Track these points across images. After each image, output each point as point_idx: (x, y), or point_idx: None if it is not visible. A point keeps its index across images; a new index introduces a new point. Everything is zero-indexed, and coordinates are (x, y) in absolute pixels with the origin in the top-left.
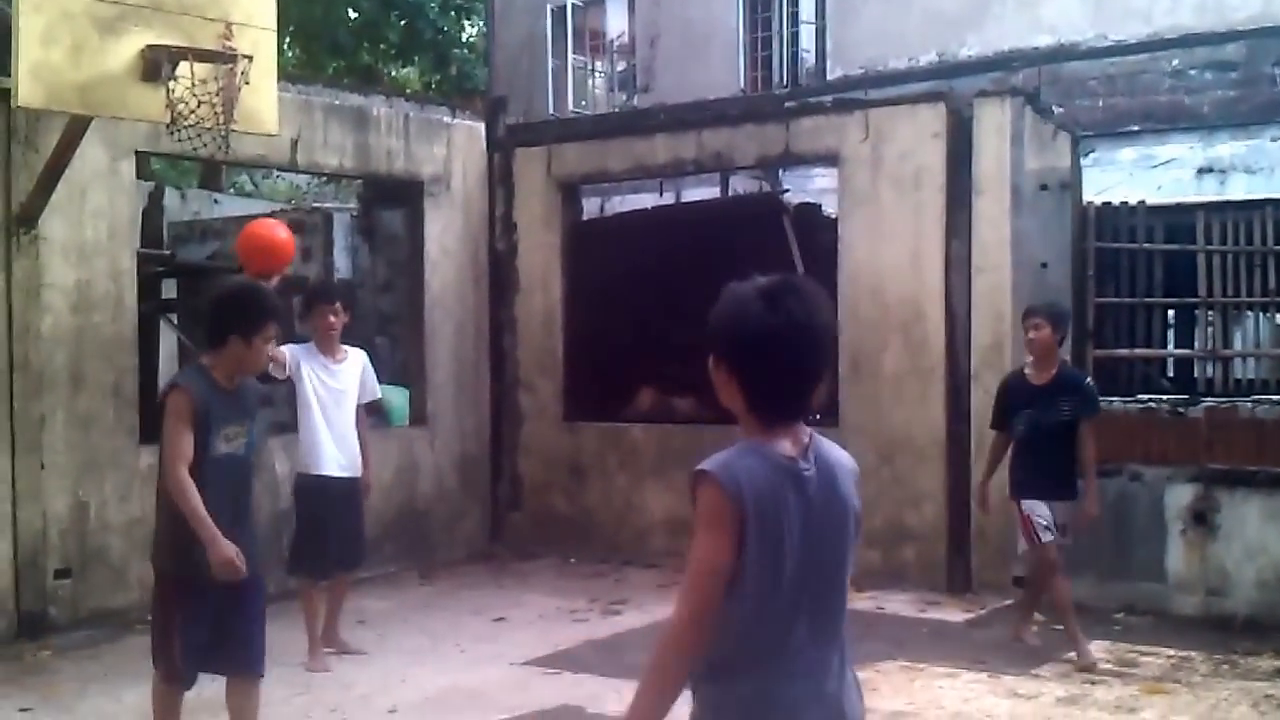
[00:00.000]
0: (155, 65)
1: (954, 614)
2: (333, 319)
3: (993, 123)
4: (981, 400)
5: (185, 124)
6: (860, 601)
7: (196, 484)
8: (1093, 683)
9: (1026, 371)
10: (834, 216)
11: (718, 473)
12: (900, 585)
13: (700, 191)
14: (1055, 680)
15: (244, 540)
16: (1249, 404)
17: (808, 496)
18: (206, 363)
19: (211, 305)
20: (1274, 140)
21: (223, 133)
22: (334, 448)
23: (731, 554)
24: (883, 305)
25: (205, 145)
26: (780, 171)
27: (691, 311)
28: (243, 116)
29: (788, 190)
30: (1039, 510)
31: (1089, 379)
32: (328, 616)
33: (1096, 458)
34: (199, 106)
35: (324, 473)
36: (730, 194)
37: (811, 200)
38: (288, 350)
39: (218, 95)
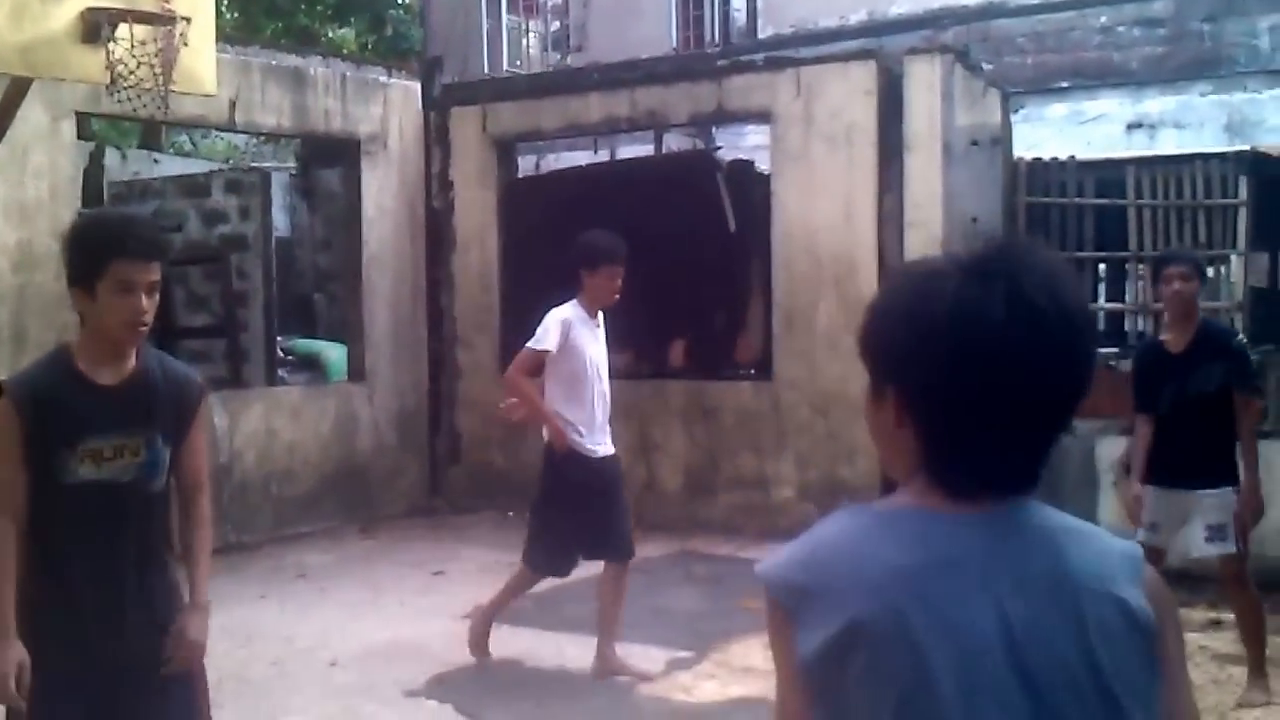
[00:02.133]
0: (95, 27)
1: None
2: (620, 283)
3: (923, 80)
4: None
5: (125, 85)
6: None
7: (35, 532)
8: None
9: (1163, 338)
10: (767, 173)
11: (760, 570)
12: None
13: (635, 149)
14: None
15: (139, 624)
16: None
17: (1001, 608)
18: (71, 344)
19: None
20: (1202, 96)
21: (162, 93)
22: (607, 425)
23: (804, 710)
24: (816, 261)
25: (145, 106)
26: (714, 129)
27: (627, 268)
28: (181, 77)
29: (721, 148)
30: (1146, 500)
31: (1239, 337)
32: (611, 618)
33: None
34: (138, 68)
35: (602, 454)
36: (664, 152)
37: (745, 157)
38: (559, 315)
39: (157, 56)
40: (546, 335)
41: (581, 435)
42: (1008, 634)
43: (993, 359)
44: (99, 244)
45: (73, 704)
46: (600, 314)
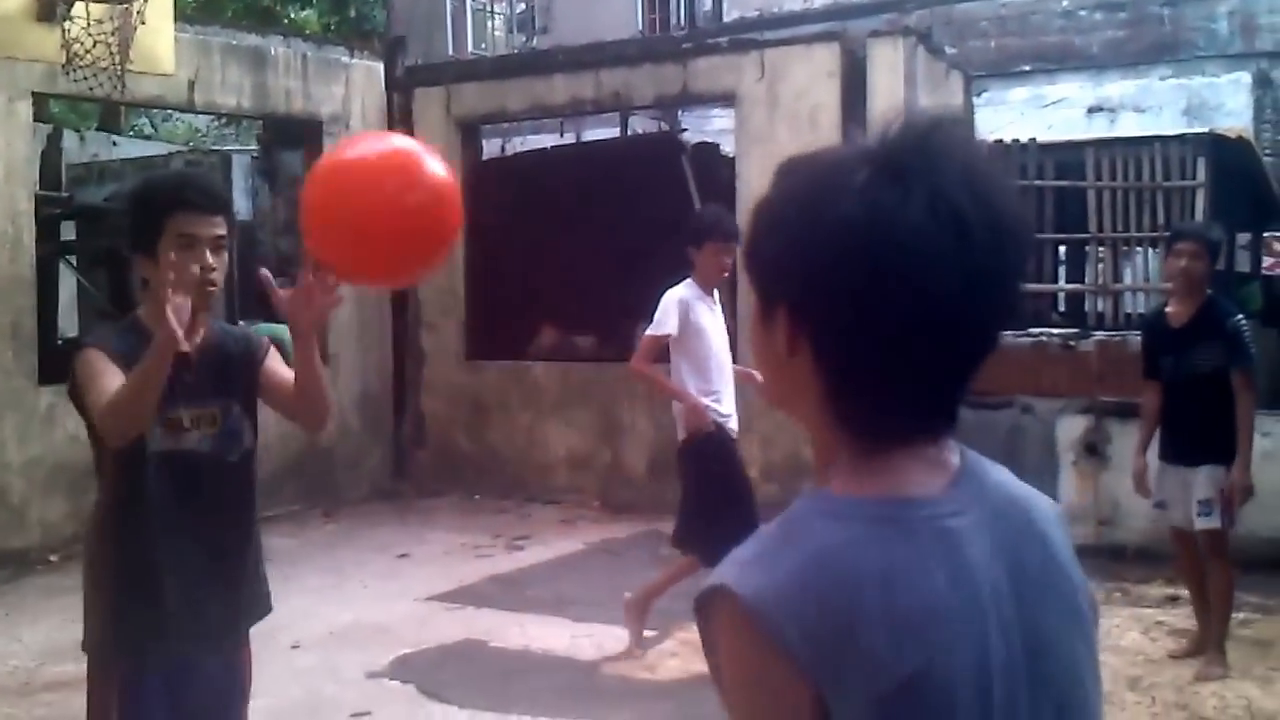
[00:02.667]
0: (50, 5)
1: None
2: (729, 260)
3: (886, 62)
4: None
5: (81, 64)
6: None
7: (121, 503)
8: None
9: (1167, 310)
10: (732, 156)
11: (741, 590)
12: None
13: (600, 132)
14: None
15: (223, 605)
16: (1138, 336)
17: (968, 571)
18: (140, 314)
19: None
20: (1162, 79)
21: (119, 73)
22: (733, 404)
23: None
24: None
25: (101, 85)
26: (679, 112)
27: (591, 250)
28: (139, 56)
29: (686, 130)
30: (1154, 476)
31: (1238, 317)
32: (660, 590)
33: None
34: (94, 46)
35: (734, 431)
36: (629, 134)
37: (710, 140)
38: (674, 296)
39: (113, 35)
40: (665, 319)
41: (723, 416)
42: (1029, 653)
43: (911, 275)
44: (155, 201)
45: (157, 691)
46: (715, 291)
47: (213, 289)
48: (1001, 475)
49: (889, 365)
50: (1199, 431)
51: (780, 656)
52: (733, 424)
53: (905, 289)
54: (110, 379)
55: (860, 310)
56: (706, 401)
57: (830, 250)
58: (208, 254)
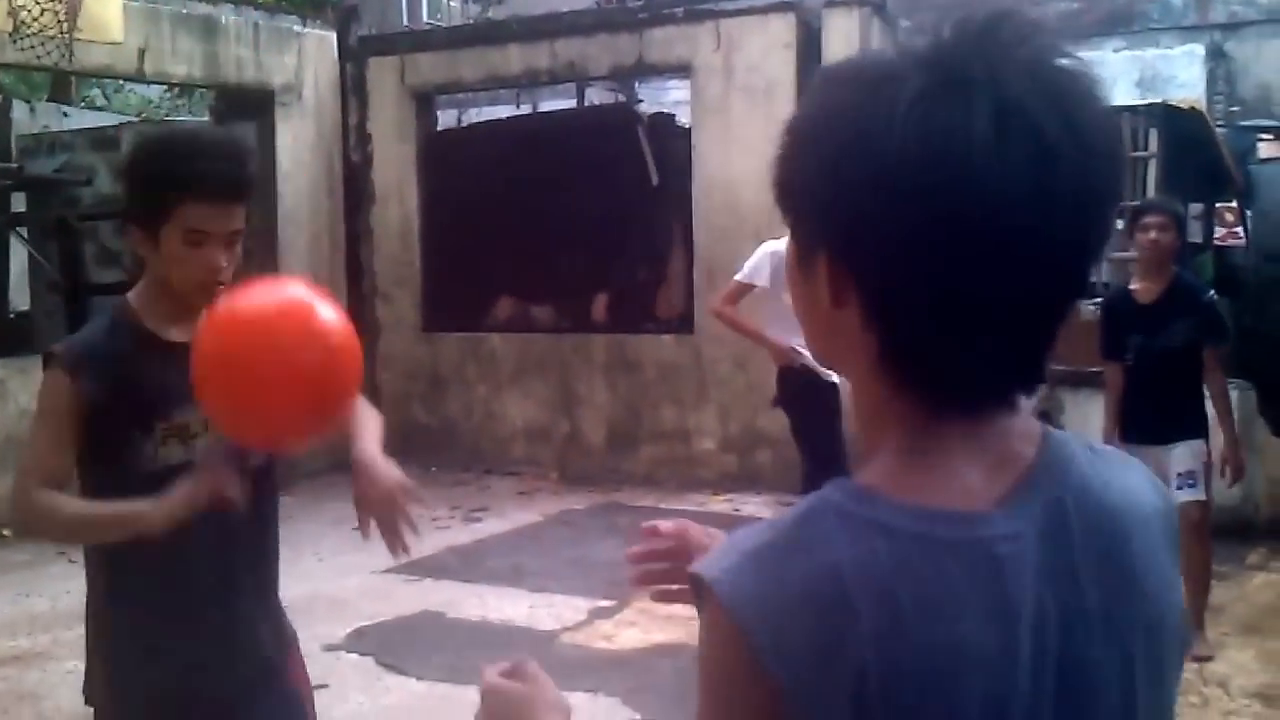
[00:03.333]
0: None
1: None
2: None
3: (841, 33)
4: None
5: (28, 32)
6: (716, 504)
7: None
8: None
9: (1133, 288)
10: (688, 127)
11: (728, 591)
12: (755, 488)
13: (556, 103)
14: None
15: (267, 636)
16: (1092, 306)
17: (1012, 606)
18: (129, 299)
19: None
20: (1116, 51)
21: (67, 41)
22: None
23: None
24: (737, 214)
25: (50, 54)
26: (636, 83)
27: (548, 221)
28: (87, 24)
29: (642, 101)
30: None
31: (1211, 293)
32: None
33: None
34: (42, 14)
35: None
36: (585, 105)
37: (667, 111)
38: (769, 247)
39: (61, 3)
40: (758, 269)
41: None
42: (1064, 694)
43: (979, 210)
44: (163, 181)
45: None
46: None
47: (220, 289)
48: (1093, 471)
49: (953, 320)
50: (1173, 408)
51: (759, 673)
52: (832, 376)
53: (971, 227)
54: (53, 442)
55: (915, 256)
56: (795, 345)
57: (876, 183)
58: (220, 254)
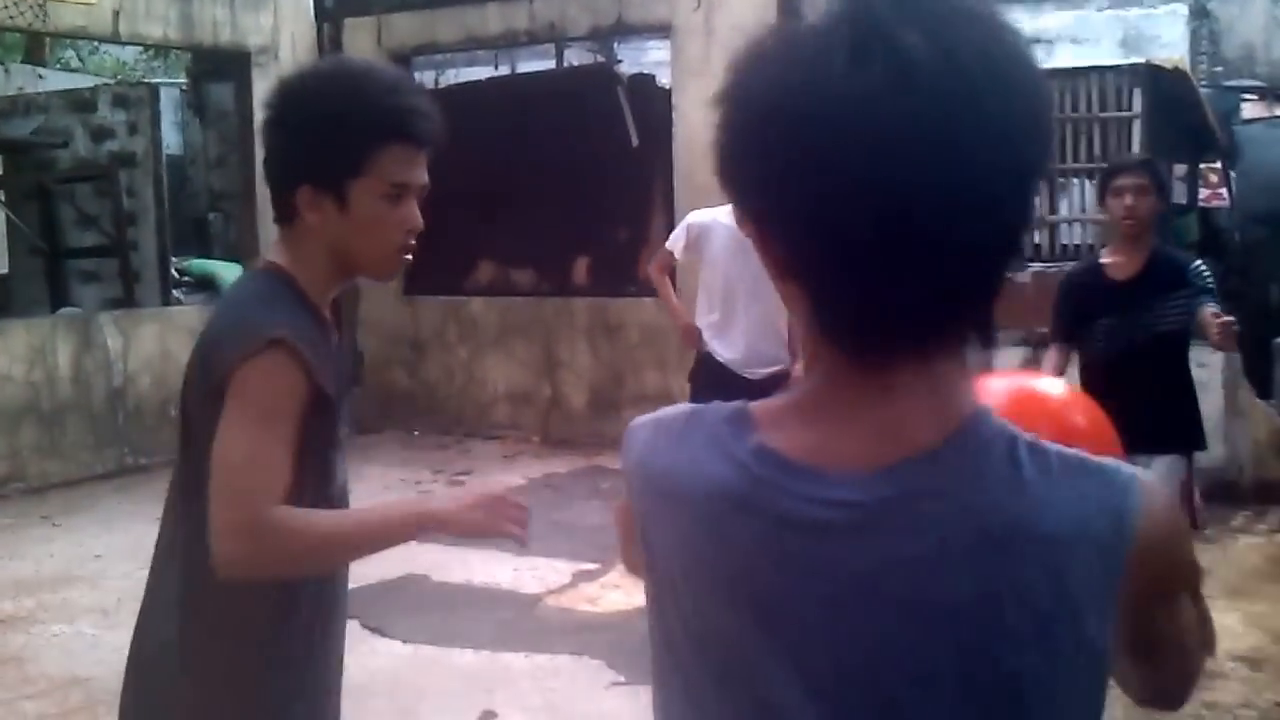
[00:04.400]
0: None
1: None
2: None
3: None
4: None
5: None
6: None
7: (275, 605)
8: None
9: (1104, 262)
10: (668, 87)
11: (629, 436)
12: None
13: (535, 65)
14: None
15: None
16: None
17: (823, 571)
18: (291, 271)
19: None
20: (1099, 10)
21: (40, 1)
22: (759, 350)
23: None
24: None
25: (23, 15)
26: (615, 44)
27: (529, 185)
28: None
29: (622, 62)
30: None
31: (1198, 263)
32: None
33: None
34: None
35: (744, 373)
36: (565, 66)
37: (646, 72)
38: (690, 217)
39: None
40: (675, 237)
41: (721, 354)
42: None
43: (840, 136)
44: (366, 121)
45: None
46: None
47: (408, 257)
48: (1008, 474)
49: (848, 268)
50: (1148, 411)
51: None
52: (735, 363)
53: (835, 160)
54: (287, 453)
55: (795, 198)
56: (702, 326)
57: (757, 135)
58: (417, 211)
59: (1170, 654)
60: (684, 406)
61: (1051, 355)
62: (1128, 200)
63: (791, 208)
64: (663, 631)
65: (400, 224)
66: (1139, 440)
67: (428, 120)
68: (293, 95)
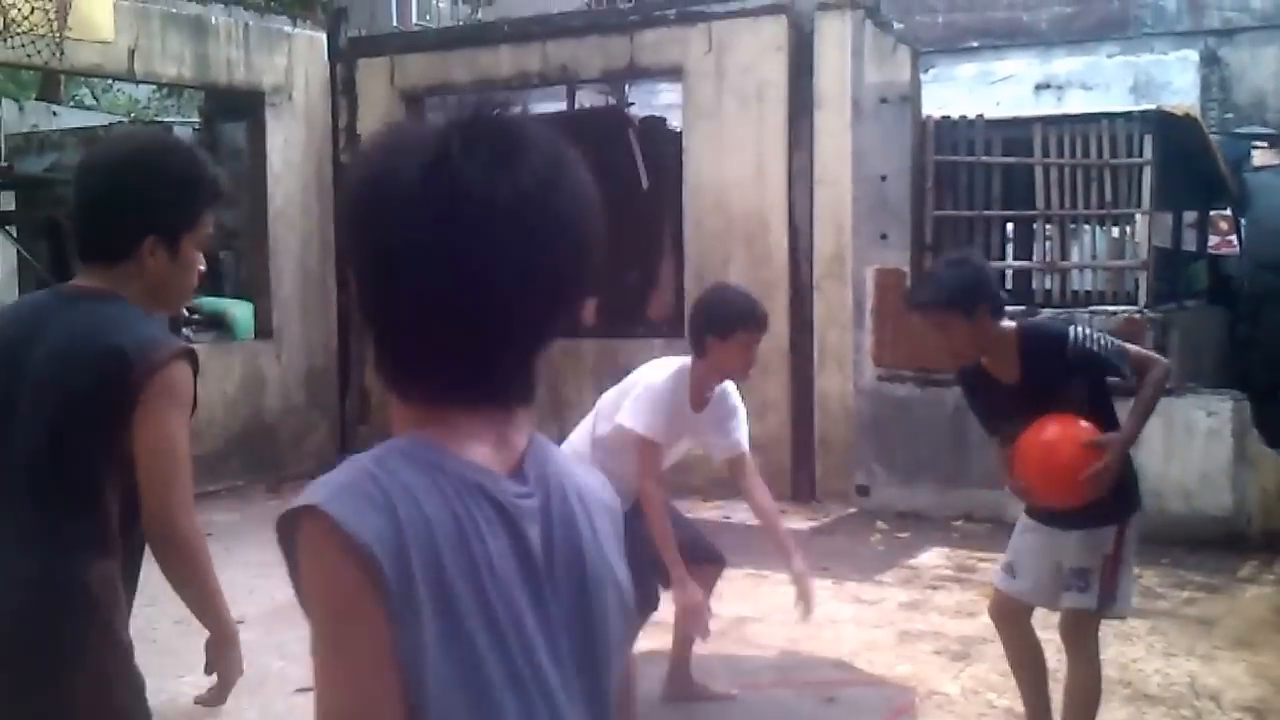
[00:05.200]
0: None
1: (798, 522)
2: (754, 352)
3: (834, 36)
4: (824, 310)
5: (18, 31)
6: (706, 511)
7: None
8: (934, 588)
9: (985, 362)
10: (679, 130)
11: (330, 508)
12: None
13: (547, 106)
14: (898, 586)
15: None
16: (1086, 314)
17: (527, 545)
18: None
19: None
20: (1110, 57)
21: (57, 40)
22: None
23: (387, 669)
24: (727, 217)
25: (40, 53)
26: (627, 86)
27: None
28: (77, 23)
29: (633, 104)
30: (1014, 537)
31: (1073, 330)
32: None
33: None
34: (32, 13)
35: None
36: (576, 108)
37: (657, 114)
38: (666, 393)
39: (51, 1)
40: (654, 421)
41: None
42: (525, 554)
43: (458, 246)
44: (204, 189)
45: None
46: (717, 388)
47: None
48: (563, 462)
49: (447, 334)
50: None
51: (364, 559)
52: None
53: (450, 262)
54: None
55: (417, 284)
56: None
57: (389, 226)
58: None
59: None
60: (388, 465)
61: (999, 449)
62: (940, 335)
63: (380, 297)
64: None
65: (197, 268)
66: (1065, 514)
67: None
68: (136, 162)
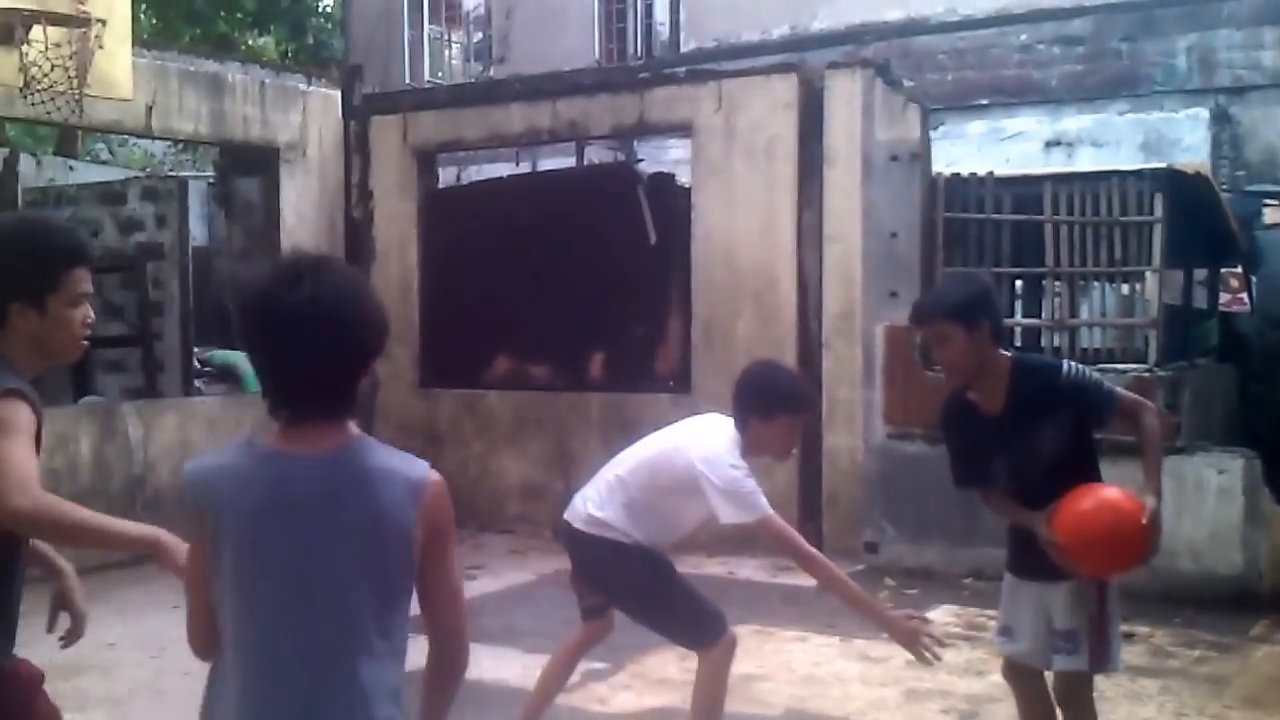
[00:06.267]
0: (8, 29)
1: (805, 579)
2: (797, 435)
3: (844, 94)
4: (832, 367)
5: (39, 88)
6: (711, 567)
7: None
8: (942, 646)
9: (972, 397)
10: (688, 186)
11: (188, 469)
12: (751, 551)
13: (556, 162)
14: None
15: None
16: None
17: (298, 497)
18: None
19: None
20: (1120, 114)
21: (76, 97)
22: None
23: (200, 559)
24: (735, 274)
25: (59, 109)
26: (635, 142)
27: (547, 280)
28: (96, 81)
29: (642, 160)
30: (1004, 599)
31: (1065, 364)
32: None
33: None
34: (52, 70)
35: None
36: (585, 164)
37: (666, 170)
38: (743, 469)
39: (71, 59)
40: (759, 496)
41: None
42: (296, 502)
43: (267, 330)
44: (54, 253)
45: None
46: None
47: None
48: (384, 455)
49: (277, 386)
50: None
51: (189, 495)
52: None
53: (266, 343)
54: (28, 449)
55: (258, 347)
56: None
57: (249, 314)
58: (90, 309)
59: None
60: (230, 450)
61: (990, 501)
62: (937, 350)
63: (261, 346)
64: (224, 567)
65: (81, 321)
66: (1045, 565)
67: (91, 248)
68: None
